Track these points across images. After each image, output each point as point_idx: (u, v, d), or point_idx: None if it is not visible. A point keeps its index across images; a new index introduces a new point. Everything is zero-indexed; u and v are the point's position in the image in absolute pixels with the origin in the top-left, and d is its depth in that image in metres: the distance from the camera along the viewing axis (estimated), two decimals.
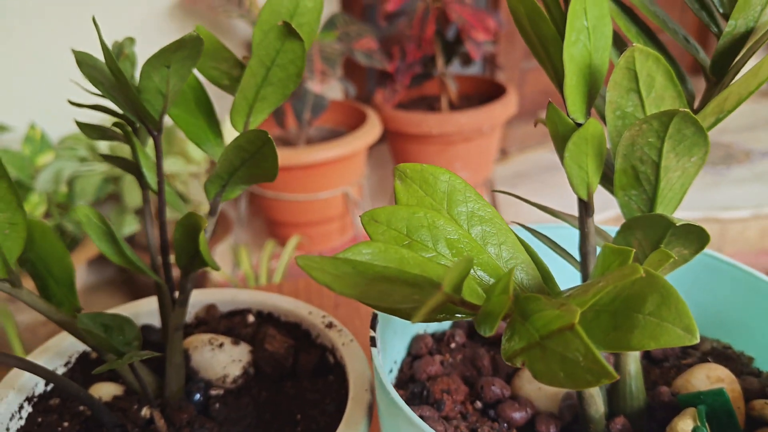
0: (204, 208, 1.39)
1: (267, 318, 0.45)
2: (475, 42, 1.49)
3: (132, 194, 1.26)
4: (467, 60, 1.66)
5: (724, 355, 0.40)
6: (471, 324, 0.44)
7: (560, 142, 0.32)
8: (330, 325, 0.42)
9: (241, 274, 1.38)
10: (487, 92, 1.76)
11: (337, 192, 1.47)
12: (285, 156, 1.35)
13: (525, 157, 2.14)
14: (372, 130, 1.46)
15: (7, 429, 0.36)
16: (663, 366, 0.40)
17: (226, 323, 0.44)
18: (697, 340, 0.21)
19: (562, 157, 0.32)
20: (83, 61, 0.33)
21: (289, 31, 0.34)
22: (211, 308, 0.45)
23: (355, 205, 1.53)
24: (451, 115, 1.54)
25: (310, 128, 1.49)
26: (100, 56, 0.35)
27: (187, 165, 1.22)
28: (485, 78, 1.80)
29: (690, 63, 2.46)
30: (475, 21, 1.46)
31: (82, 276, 1.31)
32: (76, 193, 1.25)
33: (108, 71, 0.34)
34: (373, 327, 0.35)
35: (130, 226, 1.27)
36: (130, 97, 0.31)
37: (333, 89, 1.73)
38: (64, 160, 1.26)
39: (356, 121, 1.56)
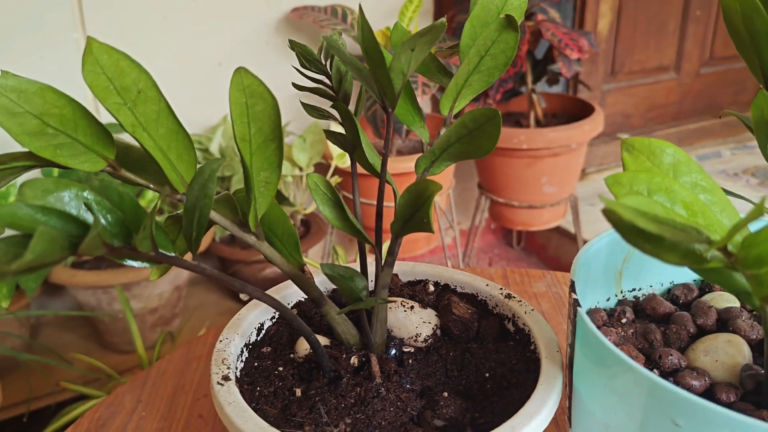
0: (302, 211, 1.45)
1: (445, 288, 0.49)
2: (567, 60, 1.52)
3: None
4: (554, 79, 1.69)
5: None
6: (636, 304, 0.47)
7: (765, 128, 0.35)
8: (509, 296, 0.46)
9: None
10: (571, 110, 1.79)
11: None
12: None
13: (603, 177, 2.14)
14: None
15: (236, 368, 0.41)
16: None
17: (408, 291, 0.48)
18: None
19: (764, 143, 0.35)
20: (332, 44, 0.38)
21: (509, 23, 0.39)
22: (394, 277, 0.49)
23: (441, 214, 1.57)
24: (541, 131, 1.57)
25: (407, 139, 1.54)
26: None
27: (293, 168, 1.28)
28: (571, 97, 1.82)
29: None
30: (569, 40, 1.50)
31: (185, 271, 1.38)
32: (307, 177, 1.32)
33: (350, 55, 0.39)
34: (573, 291, 0.39)
35: None
36: (381, 76, 0.36)
37: (425, 103, 1.78)
38: None
39: None
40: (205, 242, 1.32)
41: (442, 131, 0.41)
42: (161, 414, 0.58)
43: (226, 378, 0.39)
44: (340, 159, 1.32)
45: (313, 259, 1.51)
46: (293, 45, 0.44)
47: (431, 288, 0.48)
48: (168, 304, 1.31)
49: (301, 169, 1.41)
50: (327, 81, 0.45)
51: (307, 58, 0.44)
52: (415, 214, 0.39)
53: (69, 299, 1.48)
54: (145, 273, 1.23)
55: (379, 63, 0.36)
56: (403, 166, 1.42)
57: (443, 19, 0.35)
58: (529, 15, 1.62)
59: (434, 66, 0.45)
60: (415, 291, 0.48)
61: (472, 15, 0.42)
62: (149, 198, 1.27)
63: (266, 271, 1.43)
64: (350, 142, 0.43)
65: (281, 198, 1.38)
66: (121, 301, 1.12)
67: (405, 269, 0.50)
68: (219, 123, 1.36)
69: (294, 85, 0.45)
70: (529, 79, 1.64)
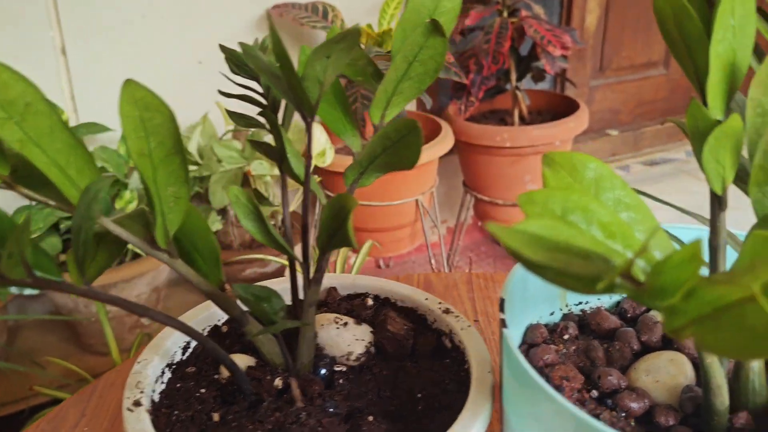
0: (280, 211, 1.43)
1: (384, 302, 0.47)
2: (551, 57, 1.50)
3: (216, 195, 1.31)
4: (539, 76, 1.67)
5: None
6: (581, 318, 0.45)
7: (699, 137, 0.33)
8: (447, 311, 0.44)
9: None
10: (557, 108, 1.76)
11: (410, 200, 1.49)
12: None
13: None
14: (446, 140, 1.48)
15: (153, 391, 0.39)
16: None
17: (346, 305, 0.46)
18: None
19: (699, 152, 0.33)
20: (248, 52, 0.36)
21: (434, 28, 0.37)
22: (332, 291, 0.47)
23: (425, 213, 1.55)
24: (525, 129, 1.55)
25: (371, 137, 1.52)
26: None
27: (272, 168, 1.26)
28: (556, 93, 1.80)
29: None
30: (552, 37, 1.47)
31: (164, 272, 1.36)
32: (229, 189, 1.30)
33: (269, 62, 0.37)
34: (502, 310, 0.37)
35: (213, 224, 1.31)
36: (293, 84, 0.34)
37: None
38: None
39: (430, 132, 1.58)
40: None
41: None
42: (104, 430, 0.56)
43: (137, 403, 0.37)
44: (320, 158, 1.30)
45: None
46: (222, 49, 0.42)
47: (370, 302, 0.46)
48: (146, 305, 1.29)
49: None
50: (257, 87, 0.43)
51: (236, 63, 0.42)
52: (339, 229, 0.37)
53: (48, 301, 1.46)
54: (121, 274, 1.21)
55: (291, 72, 0.34)
56: None
57: (358, 25, 0.33)
58: (513, 11, 1.60)
59: (371, 71, 0.43)
60: (354, 305, 0.46)
61: (403, 18, 0.40)
62: (126, 199, 1.25)
63: (247, 271, 1.41)
64: (277, 153, 0.41)
65: (261, 198, 1.36)
66: (96, 304, 1.11)
67: (345, 282, 0.48)
68: (198, 122, 1.34)
69: (220, 92, 0.43)
70: (513, 76, 1.62)
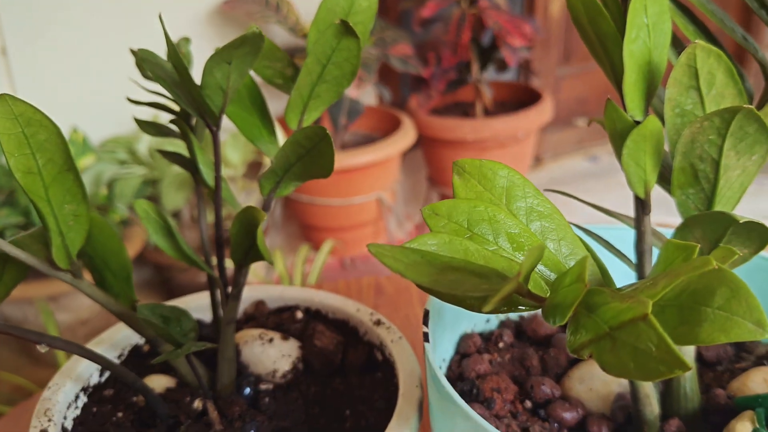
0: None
1: (315, 315, 0.45)
2: (511, 48, 1.48)
3: (170, 197, 1.28)
4: (502, 66, 1.66)
5: None
6: (518, 324, 0.44)
7: (618, 140, 0.32)
8: (378, 323, 0.42)
9: (275, 277, 1.39)
10: (521, 99, 1.76)
11: (371, 197, 1.48)
12: None
13: (559, 165, 2.12)
14: (407, 135, 1.47)
15: (65, 417, 0.37)
16: (716, 370, 0.40)
17: (275, 319, 0.44)
18: None
19: (619, 155, 0.32)
20: (146, 58, 0.34)
21: (345, 29, 0.35)
22: (259, 304, 0.45)
23: (388, 210, 1.53)
24: (487, 121, 1.54)
25: (345, 133, 1.50)
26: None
27: (225, 168, 1.23)
28: (520, 84, 1.79)
29: (737, 58, 2.42)
30: (512, 27, 1.46)
31: None
32: (116, 196, 1.27)
33: (170, 68, 0.35)
34: (425, 323, 0.35)
35: None
36: (192, 93, 0.32)
37: (367, 95, 1.74)
38: (105, 163, 1.29)
39: (391, 127, 1.56)
40: (136, 248, 1.27)
41: None
42: None
43: None
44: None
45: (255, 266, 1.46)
46: (132, 53, 0.40)
47: (300, 315, 0.45)
48: (100, 315, 1.26)
49: (244, 168, 1.36)
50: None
51: (153, 71, 0.40)
52: (252, 244, 0.35)
53: None
54: (63, 287, 1.18)
55: (189, 80, 0.32)
56: (349, 163, 1.38)
57: (255, 27, 0.31)
58: (473, 1, 1.59)
59: (290, 74, 0.41)
60: (282, 319, 0.44)
61: (317, 18, 0.38)
62: None
63: (203, 276, 1.38)
64: (190, 162, 0.39)
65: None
66: (43, 315, 1.07)
67: (273, 294, 0.46)
68: None
69: (129, 99, 0.41)
70: (475, 67, 1.60)
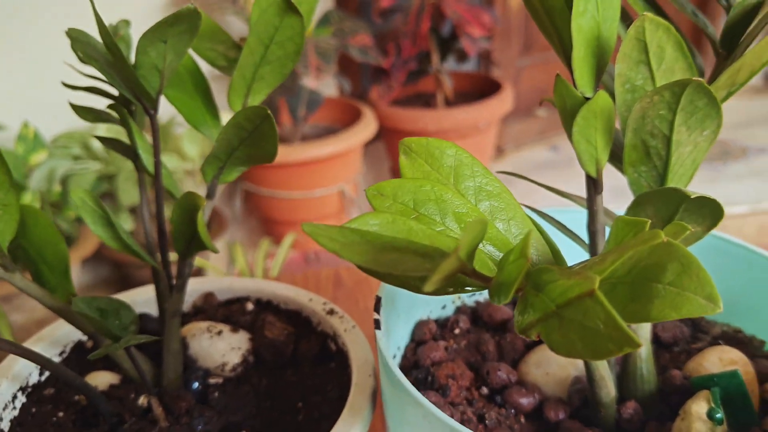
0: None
1: (266, 306, 0.44)
2: (470, 38, 1.48)
3: (126, 192, 1.25)
4: (462, 56, 1.65)
5: (735, 339, 0.39)
6: (474, 310, 0.43)
7: (568, 117, 0.31)
8: (331, 312, 0.41)
9: (236, 272, 1.36)
10: (482, 89, 1.76)
11: (333, 190, 1.46)
12: (280, 153, 1.34)
13: (521, 155, 2.13)
14: (368, 126, 1.45)
15: (1, 419, 0.35)
16: (673, 350, 0.40)
17: (224, 311, 0.43)
18: (721, 309, 0.21)
19: (570, 133, 0.31)
20: (77, 38, 0.32)
21: (288, 7, 0.33)
22: (208, 296, 0.44)
23: (351, 202, 1.52)
24: (448, 111, 1.53)
25: (305, 125, 1.48)
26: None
27: (182, 162, 1.21)
28: (480, 75, 1.79)
29: (693, 39, 2.46)
30: (471, 16, 1.46)
31: (76, 275, 1.29)
32: (70, 192, 1.23)
33: (104, 49, 0.33)
34: (377, 310, 0.34)
35: (125, 224, 1.25)
36: (126, 74, 0.30)
37: (328, 86, 1.72)
38: (58, 159, 1.25)
39: (352, 118, 1.55)
40: (93, 244, 1.23)
41: None
42: None
43: None
44: None
45: (213, 258, 1.44)
46: (68, 34, 0.38)
47: (250, 307, 0.43)
48: (56, 316, 1.22)
49: (201, 161, 1.33)
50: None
51: (84, 52, 0.38)
52: (194, 232, 0.34)
53: None
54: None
55: (122, 60, 0.30)
56: (309, 155, 1.36)
57: (191, 6, 0.30)
58: None
59: (234, 56, 0.40)
60: (232, 311, 0.43)
61: None
62: (28, 201, 1.17)
63: None
64: (130, 149, 0.37)
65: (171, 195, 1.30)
66: None
67: (222, 286, 0.44)
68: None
69: (64, 84, 0.39)
70: (435, 57, 1.60)
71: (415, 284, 0.22)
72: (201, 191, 1.41)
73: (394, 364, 0.30)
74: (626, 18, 0.34)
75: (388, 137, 1.67)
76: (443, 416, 0.27)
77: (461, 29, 1.46)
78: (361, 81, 1.88)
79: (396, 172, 1.72)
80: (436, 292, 0.22)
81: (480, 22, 1.45)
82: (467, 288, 0.24)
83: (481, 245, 0.25)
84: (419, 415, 0.29)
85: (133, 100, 0.32)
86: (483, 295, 0.44)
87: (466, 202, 0.26)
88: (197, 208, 0.31)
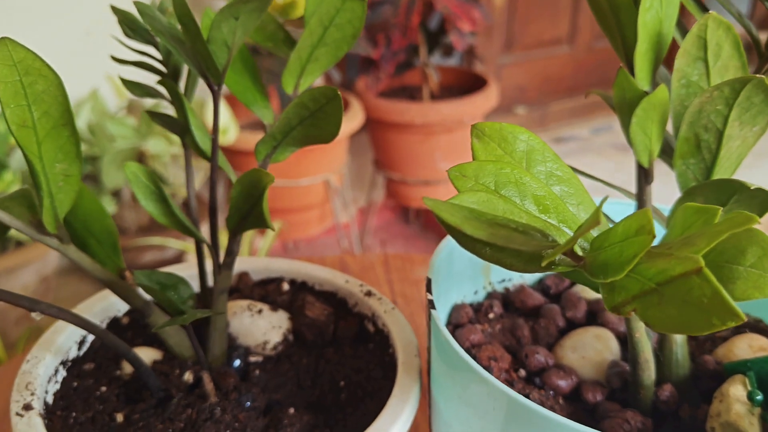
0: (182, 191, 1.36)
1: (301, 287, 0.44)
2: (459, 32, 1.49)
3: (110, 175, 1.23)
4: (448, 51, 1.67)
5: (757, 328, 0.41)
6: (505, 296, 0.44)
7: (627, 108, 0.32)
8: (369, 294, 0.42)
9: None
10: (466, 84, 1.77)
11: (318, 179, 1.46)
12: None
13: None
14: (355, 117, 1.46)
15: (46, 392, 0.35)
16: (697, 338, 0.41)
17: (260, 291, 0.43)
18: None
19: (626, 124, 0.33)
20: (145, 11, 0.32)
21: None
22: (243, 276, 0.44)
23: (335, 193, 1.52)
24: (435, 105, 1.54)
25: None
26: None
27: (169, 146, 1.19)
28: (466, 70, 1.81)
29: None
30: (461, 11, 1.47)
31: (54, 259, 1.27)
32: (124, 166, 1.20)
33: (168, 23, 0.33)
34: (429, 290, 0.35)
35: (108, 207, 1.24)
36: (199, 48, 0.31)
37: None
38: None
39: None
40: None
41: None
42: None
43: (27, 407, 0.33)
44: (222, 135, 1.24)
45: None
46: (114, 10, 0.38)
47: (286, 287, 0.44)
48: (34, 297, 1.20)
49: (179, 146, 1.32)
50: (156, 53, 0.39)
51: (131, 27, 0.38)
52: (252, 208, 0.34)
53: None
54: (4, 264, 1.12)
55: (197, 34, 0.30)
56: None
57: None
58: None
59: (281, 37, 0.40)
60: (268, 291, 0.43)
61: None
62: (6, 181, 1.15)
63: (145, 258, 1.34)
64: (180, 125, 0.37)
65: (162, 181, 1.29)
66: None
67: (258, 266, 0.45)
68: (86, 98, 1.25)
69: (113, 57, 0.38)
70: (422, 51, 1.61)
71: (511, 262, 0.23)
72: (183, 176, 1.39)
73: (456, 344, 0.31)
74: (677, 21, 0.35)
75: (372, 129, 1.67)
76: (512, 393, 0.28)
77: (451, 23, 1.47)
78: (346, 71, 1.88)
79: (379, 164, 1.73)
80: (531, 270, 0.23)
81: (469, 17, 1.46)
82: (554, 268, 0.25)
83: (562, 226, 0.26)
84: (483, 393, 0.30)
85: (198, 74, 0.33)
86: (512, 282, 0.45)
87: (543, 186, 0.27)
88: (263, 186, 0.31)
